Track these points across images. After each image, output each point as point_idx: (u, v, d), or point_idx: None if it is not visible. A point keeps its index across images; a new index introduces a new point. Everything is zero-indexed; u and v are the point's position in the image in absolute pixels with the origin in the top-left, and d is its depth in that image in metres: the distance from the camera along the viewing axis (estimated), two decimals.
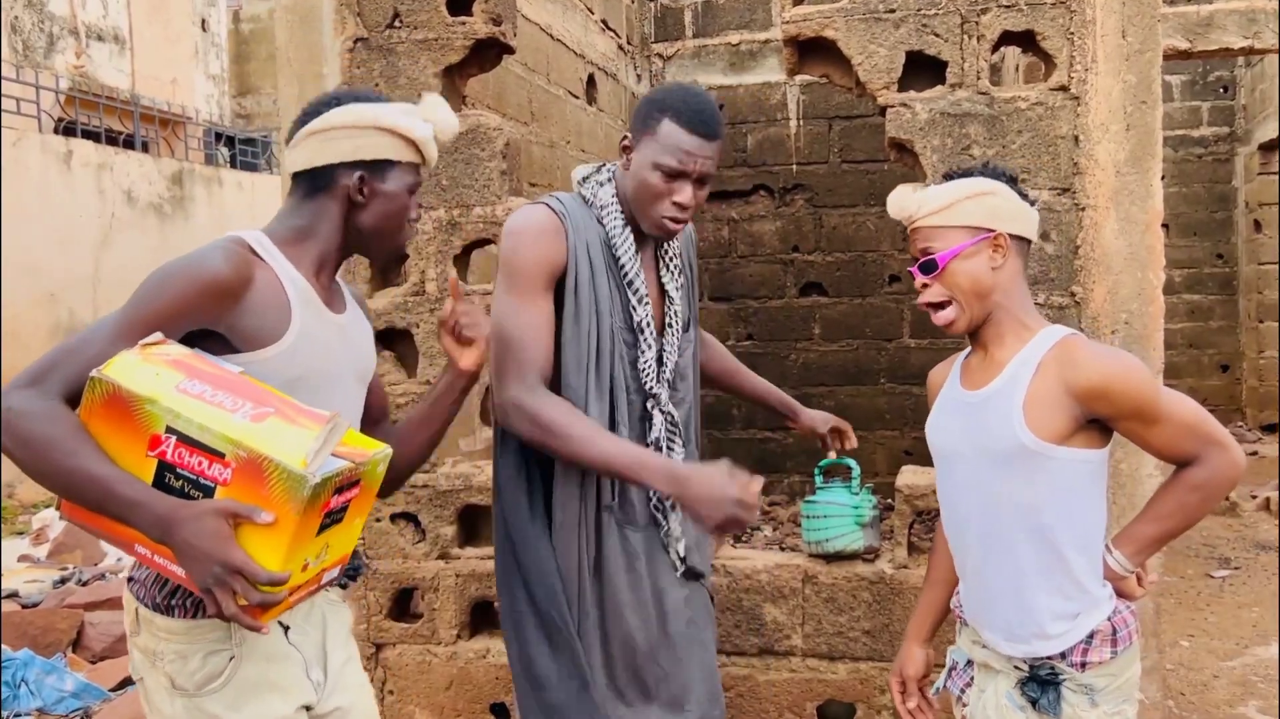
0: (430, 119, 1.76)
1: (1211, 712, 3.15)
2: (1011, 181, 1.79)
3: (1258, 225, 8.89)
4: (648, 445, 2.05)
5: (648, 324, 2.07)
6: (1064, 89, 2.63)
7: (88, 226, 8.08)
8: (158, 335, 1.53)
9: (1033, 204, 1.81)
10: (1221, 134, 9.37)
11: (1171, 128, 9.30)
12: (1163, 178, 8.56)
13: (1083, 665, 1.71)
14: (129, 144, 8.89)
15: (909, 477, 2.81)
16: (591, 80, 5.45)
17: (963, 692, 1.89)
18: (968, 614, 1.86)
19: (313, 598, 1.68)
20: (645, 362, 2.06)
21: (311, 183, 1.72)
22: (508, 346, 1.96)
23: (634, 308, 2.05)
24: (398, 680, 3.04)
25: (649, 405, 2.08)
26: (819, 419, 2.54)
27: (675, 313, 2.16)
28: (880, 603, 2.77)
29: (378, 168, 1.72)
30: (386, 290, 3.05)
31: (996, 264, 1.74)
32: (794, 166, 6.25)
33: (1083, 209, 2.63)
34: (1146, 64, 2.61)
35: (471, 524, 3.05)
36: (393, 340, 3.07)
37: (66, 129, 8.73)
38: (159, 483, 1.47)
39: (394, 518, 3.03)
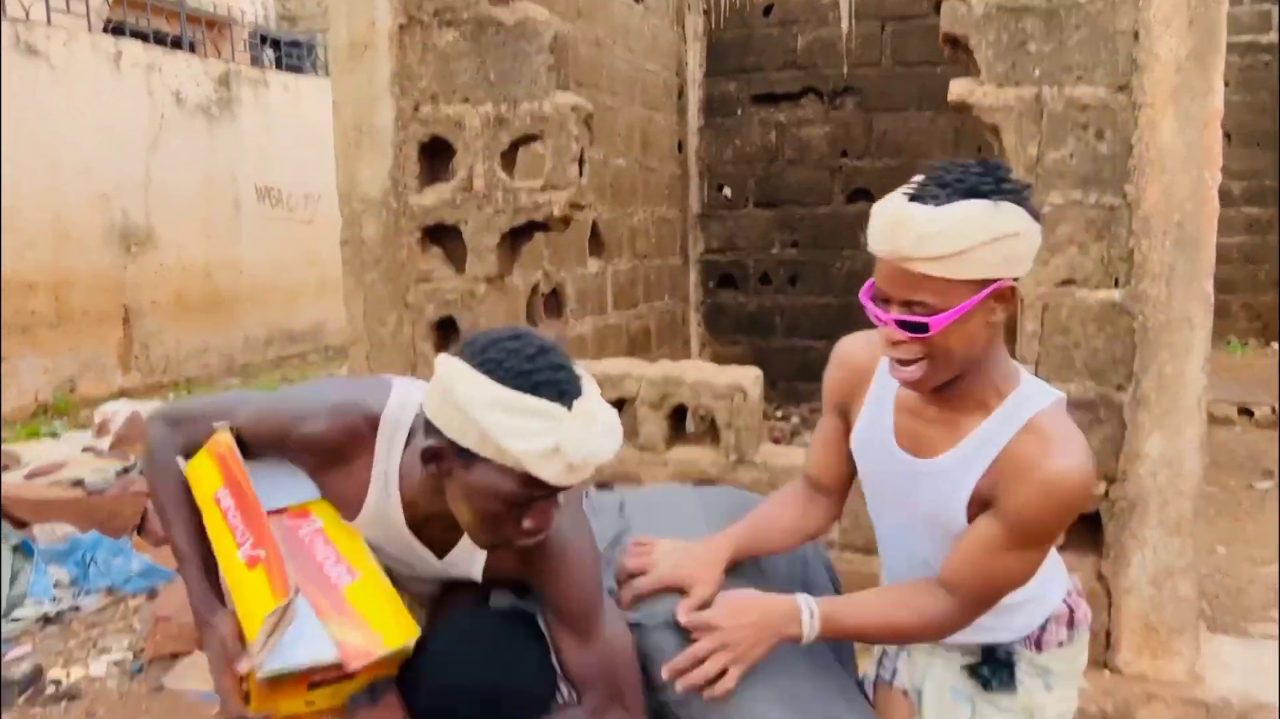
0: (562, 441, 1.34)
1: (1244, 616, 3.19)
2: (1025, 192, 1.43)
3: None
4: None
5: None
6: None
7: (138, 128, 8.16)
8: (225, 425, 1.57)
9: (1037, 217, 1.44)
10: None
11: (1238, 32, 8.95)
12: (1227, 84, 8.26)
13: (1038, 646, 1.66)
14: (177, 45, 8.90)
15: None
16: None
17: (893, 675, 1.80)
18: None
19: None
20: None
21: (425, 432, 1.50)
22: None
23: None
24: None
25: None
26: None
27: None
28: None
29: (462, 454, 1.40)
30: (435, 186, 3.09)
31: (995, 318, 1.45)
32: (845, 69, 6.15)
33: (1139, 107, 2.59)
34: None
35: None
36: (441, 236, 3.12)
37: (114, 30, 8.75)
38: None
39: None
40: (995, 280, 1.40)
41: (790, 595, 1.62)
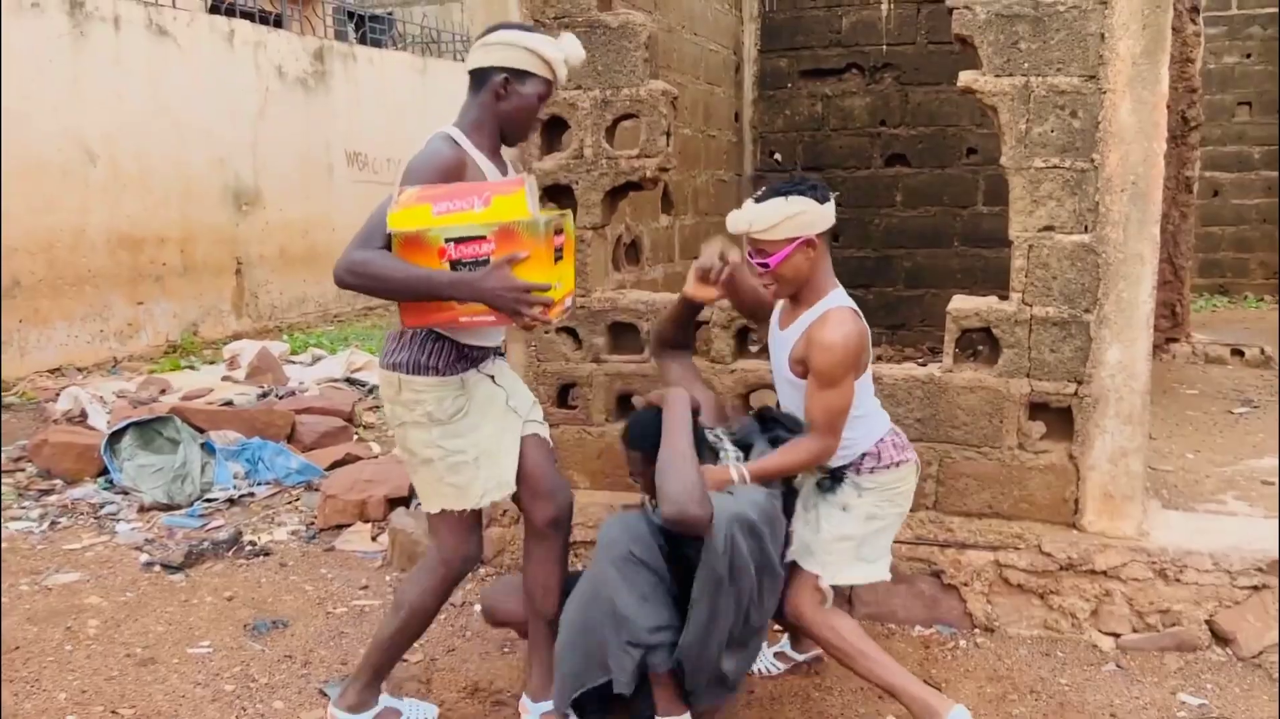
0: (563, 49, 2.55)
1: (1195, 499, 3.96)
2: (813, 189, 2.59)
3: None
4: None
5: None
6: None
7: (247, 98, 9.08)
8: (398, 191, 2.40)
9: (824, 201, 2.61)
10: None
11: (1261, 5, 9.48)
12: (1249, 55, 9.01)
13: (858, 470, 2.74)
14: (277, 23, 9.81)
15: (957, 302, 3.61)
16: None
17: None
18: None
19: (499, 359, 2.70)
20: None
21: (476, 81, 2.56)
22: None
23: None
24: (560, 452, 4.02)
25: None
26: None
27: None
28: (929, 398, 3.61)
29: (518, 75, 2.53)
30: (553, 154, 3.91)
31: (810, 257, 2.61)
32: (884, 47, 6.84)
33: (1104, 92, 3.32)
34: None
35: (617, 336, 3.96)
36: (557, 194, 3.94)
37: (215, 9, 9.67)
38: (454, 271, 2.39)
39: (558, 331, 3.96)
40: (798, 238, 2.57)
41: (726, 467, 2.62)
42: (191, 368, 7.57)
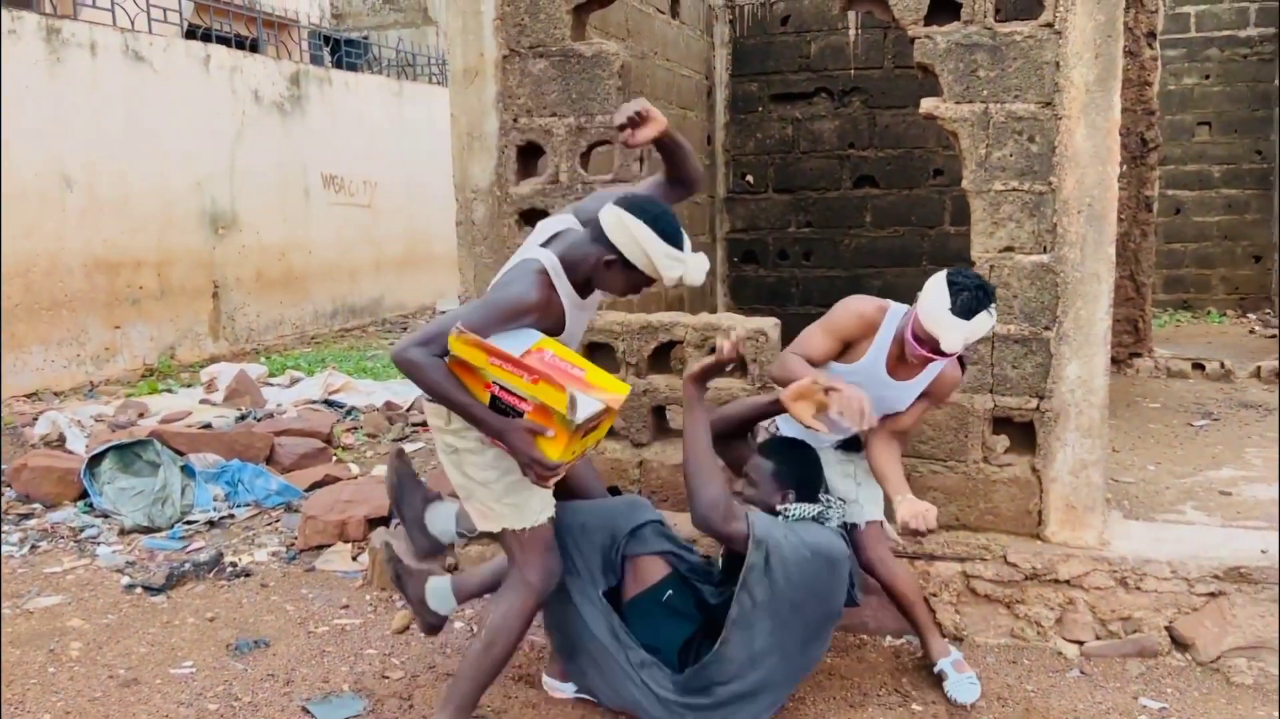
0: (684, 268, 2.61)
1: (1155, 510, 4.08)
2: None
3: None
4: None
5: None
6: (1049, 25, 3.42)
7: (224, 123, 9.14)
8: (459, 328, 2.52)
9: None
10: (1267, 34, 9.77)
11: (1219, 28, 9.75)
12: (1207, 77, 9.22)
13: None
14: (253, 48, 9.89)
15: None
16: None
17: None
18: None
19: None
20: None
21: (595, 235, 2.64)
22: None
23: None
24: None
25: None
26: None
27: None
28: None
29: (627, 264, 2.62)
30: (529, 180, 4.01)
31: None
32: (852, 71, 6.99)
33: (1060, 118, 3.45)
34: (1113, 6, 3.38)
35: (592, 355, 4.05)
36: (533, 218, 4.03)
37: (190, 34, 9.73)
38: (493, 405, 2.59)
39: None
40: None
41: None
42: (169, 391, 7.59)
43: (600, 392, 2.51)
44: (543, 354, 2.55)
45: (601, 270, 2.65)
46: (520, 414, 2.55)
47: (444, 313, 2.74)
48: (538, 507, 2.78)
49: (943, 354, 2.88)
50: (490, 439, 2.66)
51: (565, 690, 3.14)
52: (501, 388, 2.55)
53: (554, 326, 2.69)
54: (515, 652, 2.90)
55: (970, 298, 2.80)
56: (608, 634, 2.90)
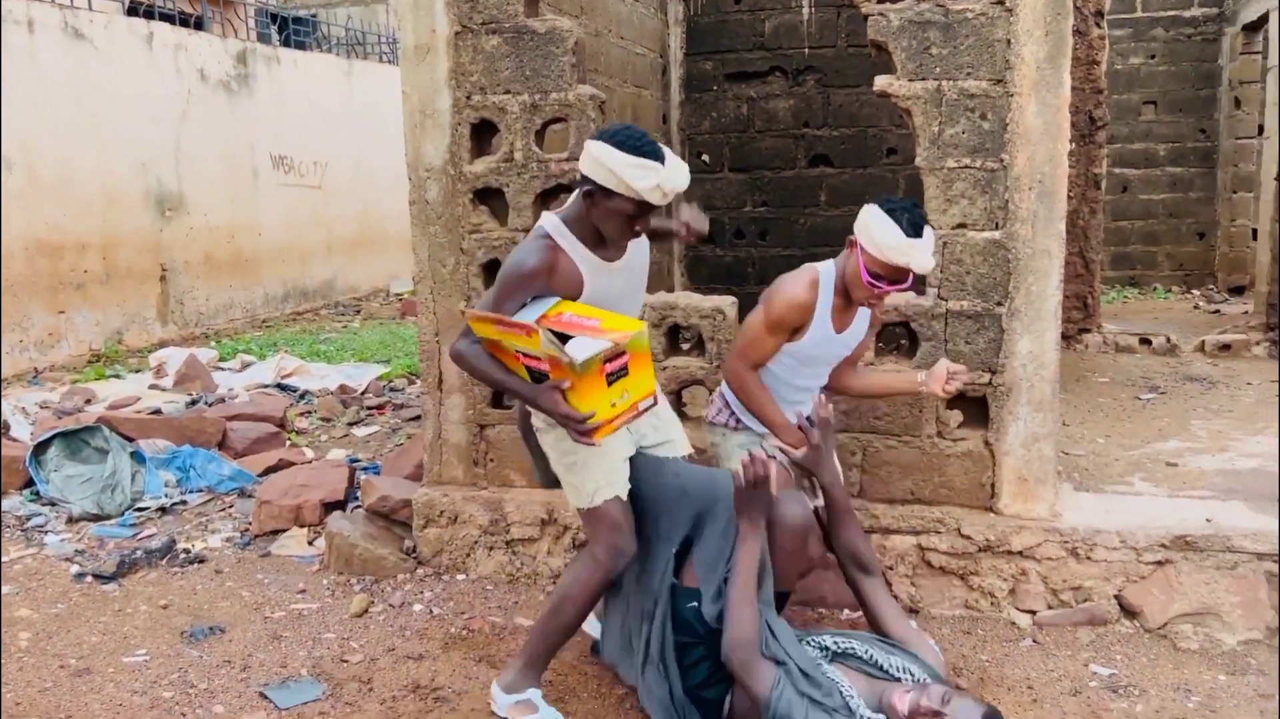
0: (659, 178, 2.50)
1: (1105, 481, 4.16)
2: None
3: (1238, 102, 9.59)
4: None
5: None
6: (1001, 3, 3.42)
7: (168, 102, 8.94)
8: (465, 307, 2.55)
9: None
10: (1211, 15, 9.95)
11: (1165, 8, 9.90)
12: (1153, 57, 9.36)
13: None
14: (198, 25, 9.67)
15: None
16: None
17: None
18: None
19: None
20: None
21: (581, 182, 2.62)
22: None
23: None
24: (498, 452, 4.08)
25: None
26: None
27: None
28: None
29: (604, 191, 2.56)
30: (483, 158, 3.96)
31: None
32: (806, 50, 7.01)
33: (1011, 95, 3.47)
34: None
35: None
36: (488, 197, 4.00)
37: (132, 10, 9.49)
38: (532, 377, 2.59)
39: None
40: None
41: None
42: (117, 377, 7.44)
43: (616, 331, 2.50)
44: (560, 316, 2.57)
45: (592, 212, 2.63)
46: (546, 375, 2.55)
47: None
48: (591, 488, 2.79)
49: (903, 281, 2.87)
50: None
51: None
52: (523, 354, 2.57)
53: (572, 290, 2.68)
54: (583, 619, 2.93)
55: (911, 216, 2.81)
56: (649, 596, 2.87)
